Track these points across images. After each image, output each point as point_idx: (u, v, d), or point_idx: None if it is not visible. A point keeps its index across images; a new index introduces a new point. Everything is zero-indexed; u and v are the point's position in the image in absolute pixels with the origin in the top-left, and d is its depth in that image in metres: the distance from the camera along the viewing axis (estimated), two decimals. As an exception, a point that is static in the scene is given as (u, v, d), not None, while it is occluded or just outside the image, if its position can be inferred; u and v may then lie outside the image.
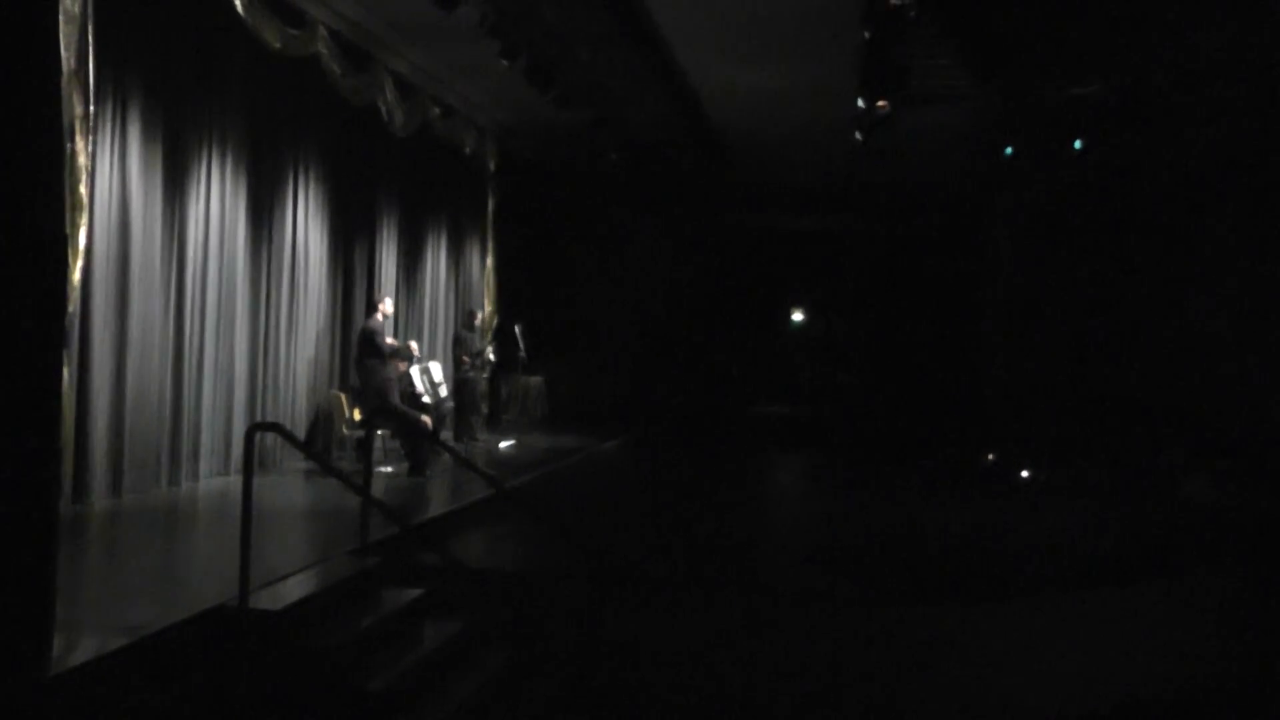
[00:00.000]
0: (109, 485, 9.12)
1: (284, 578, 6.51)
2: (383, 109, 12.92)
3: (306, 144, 12.34)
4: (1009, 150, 17.69)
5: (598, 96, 14.36)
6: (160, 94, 9.66)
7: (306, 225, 12.40)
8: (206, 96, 10.44)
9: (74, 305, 8.12)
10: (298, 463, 11.87)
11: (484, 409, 16.22)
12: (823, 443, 20.70)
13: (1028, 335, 19.25)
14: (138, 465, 9.46)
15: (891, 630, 8.16)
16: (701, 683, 7.23)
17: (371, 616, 6.49)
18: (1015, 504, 13.97)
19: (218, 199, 10.67)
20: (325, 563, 7.06)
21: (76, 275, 8.00)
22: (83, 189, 7.91)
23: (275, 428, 7.07)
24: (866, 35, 12.48)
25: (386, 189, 14.44)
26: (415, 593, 6.96)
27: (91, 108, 8.01)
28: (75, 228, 7.84)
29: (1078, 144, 16.59)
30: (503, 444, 15.12)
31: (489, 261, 18.30)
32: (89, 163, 8.04)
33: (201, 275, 10.44)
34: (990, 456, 17.03)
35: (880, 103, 14.44)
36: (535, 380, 18.69)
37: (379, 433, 12.10)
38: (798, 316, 24.24)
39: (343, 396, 12.60)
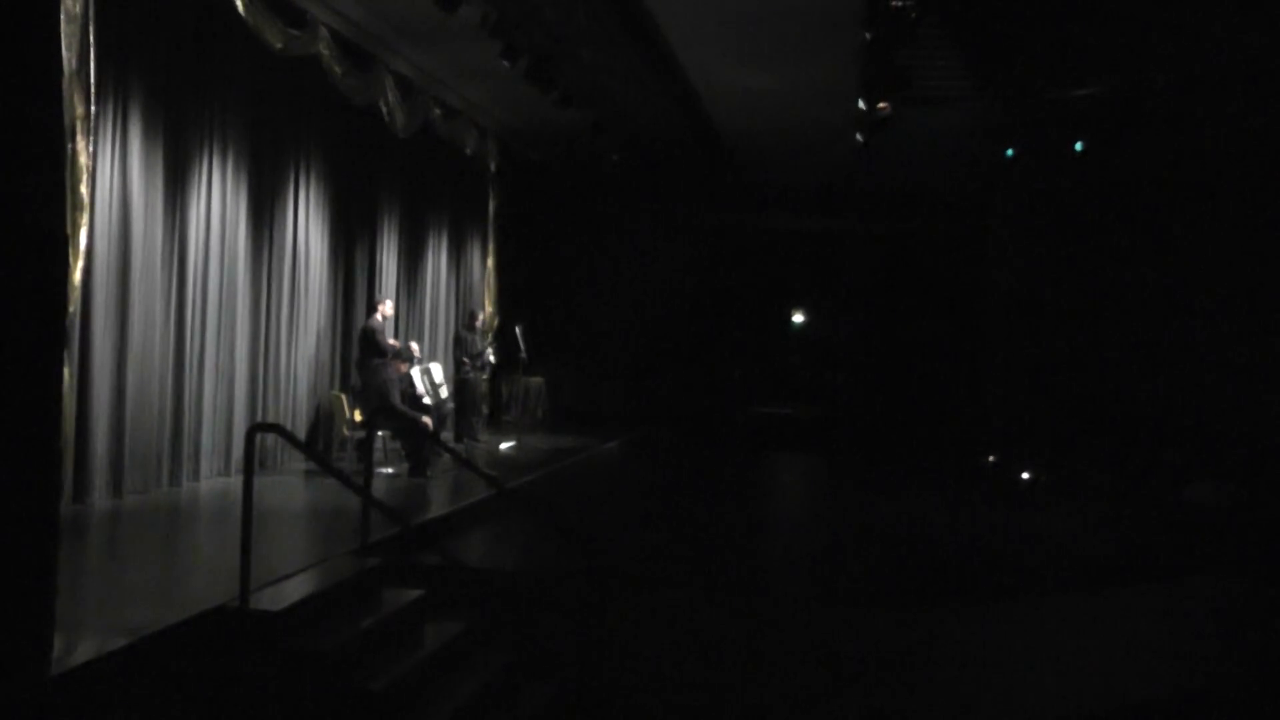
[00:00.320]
0: (109, 485, 9.12)
1: (284, 578, 6.50)
2: (384, 109, 12.92)
3: (307, 144, 12.35)
4: (1010, 152, 17.71)
5: (599, 97, 14.37)
6: (161, 94, 9.66)
7: (307, 226, 12.40)
8: (208, 97, 10.44)
9: (75, 305, 8.13)
10: (298, 463, 11.87)
11: (484, 410, 16.22)
12: (823, 444, 20.69)
13: (1028, 337, 19.24)
14: (138, 465, 9.46)
15: (892, 632, 8.16)
16: (702, 684, 7.22)
17: (372, 617, 6.49)
18: (1016, 506, 13.96)
19: (219, 199, 10.67)
20: (326, 563, 7.06)
21: (77, 275, 8.00)
22: (84, 189, 7.91)
23: (276, 428, 7.06)
24: (868, 36, 12.49)
25: (387, 190, 14.44)
26: (416, 593, 6.95)
27: (93, 108, 8.02)
28: (76, 228, 7.85)
29: (1078, 145, 16.60)
30: (503, 445, 15.11)
31: (490, 262, 18.30)
32: (90, 163, 8.04)
33: (202, 275, 10.44)
34: (991, 458, 17.01)
35: (881, 104, 14.45)
36: (536, 381, 18.69)
37: (380, 433, 12.10)
38: (798, 317, 24.23)
39: (343, 397, 12.60)
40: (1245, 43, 13.12)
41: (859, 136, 16.04)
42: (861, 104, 14.65)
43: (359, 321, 13.24)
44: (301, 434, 12.13)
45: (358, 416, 12.40)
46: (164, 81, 9.70)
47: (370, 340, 12.26)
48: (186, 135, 10.10)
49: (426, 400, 13.00)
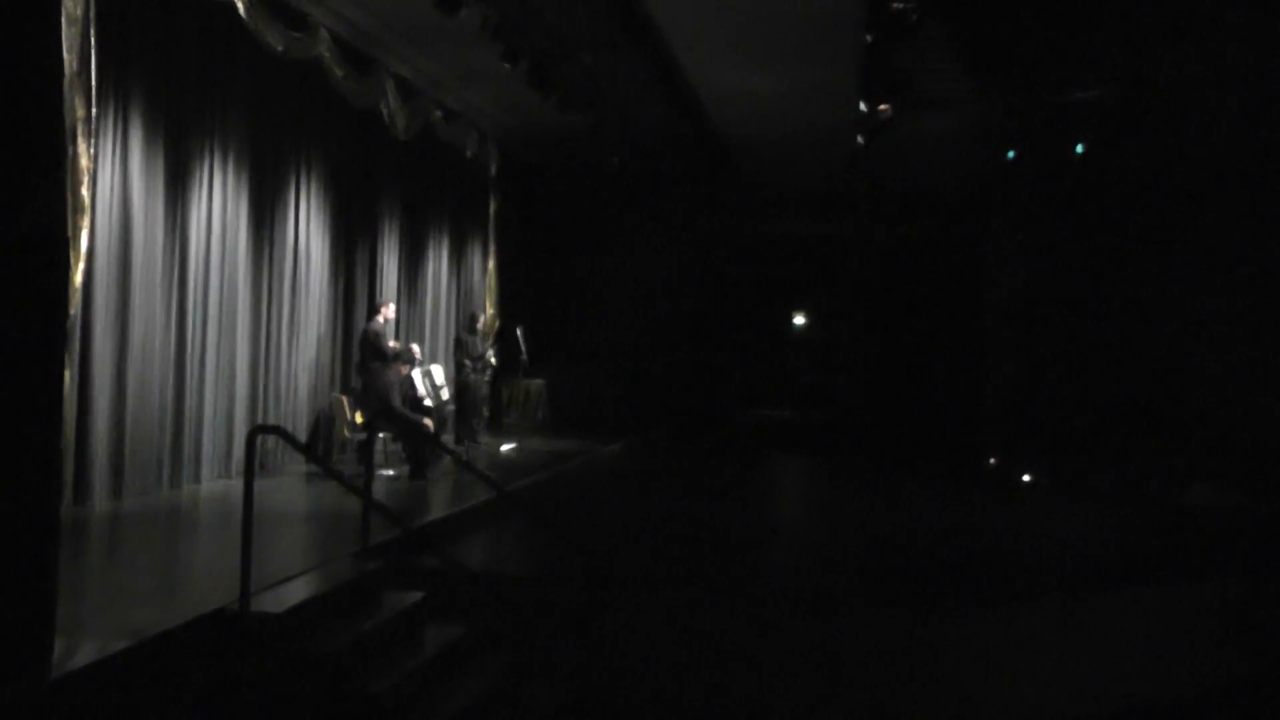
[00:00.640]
0: (110, 488, 9.11)
1: (285, 581, 6.50)
2: (384, 112, 12.92)
3: (308, 147, 12.35)
4: (1010, 154, 17.70)
5: (599, 100, 14.37)
6: (162, 96, 9.67)
7: (308, 228, 12.40)
8: (208, 99, 10.44)
9: (75, 308, 8.13)
10: (299, 465, 11.86)
11: (485, 412, 16.21)
12: (824, 446, 20.68)
13: (1029, 339, 19.22)
14: (139, 468, 9.46)
15: (892, 634, 8.15)
16: (703, 687, 7.21)
17: (373, 620, 6.48)
18: (1017, 508, 13.95)
19: (219, 202, 10.67)
20: (326, 566, 7.05)
21: (78, 278, 8.01)
22: (84, 191, 7.92)
23: (277, 430, 7.05)
24: (868, 39, 12.50)
25: (388, 192, 14.44)
26: (416, 596, 6.95)
27: (93, 110, 8.02)
28: (77, 230, 7.85)
29: (1079, 148, 16.59)
30: (504, 447, 15.11)
31: (490, 265, 18.30)
32: (91, 165, 8.04)
33: (203, 278, 10.44)
34: (992, 460, 17.01)
35: (882, 106, 14.45)
36: (537, 383, 18.69)
37: (380, 436, 12.10)
38: (799, 319, 24.22)
39: (344, 399, 12.60)
40: (1245, 44, 13.12)
41: (859, 139, 16.05)
42: (862, 106, 14.66)
43: (360, 324, 13.24)
44: (302, 436, 12.12)
45: (359, 419, 12.39)
46: (165, 84, 9.70)
47: (372, 343, 12.26)
48: (187, 138, 10.10)
49: (427, 403, 13.00)
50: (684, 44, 13.21)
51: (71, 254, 7.73)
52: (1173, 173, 16.46)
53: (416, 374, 13.02)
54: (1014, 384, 19.32)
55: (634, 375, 21.41)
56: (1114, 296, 17.95)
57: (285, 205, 11.96)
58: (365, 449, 8.98)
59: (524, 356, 16.78)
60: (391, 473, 12.00)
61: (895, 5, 11.89)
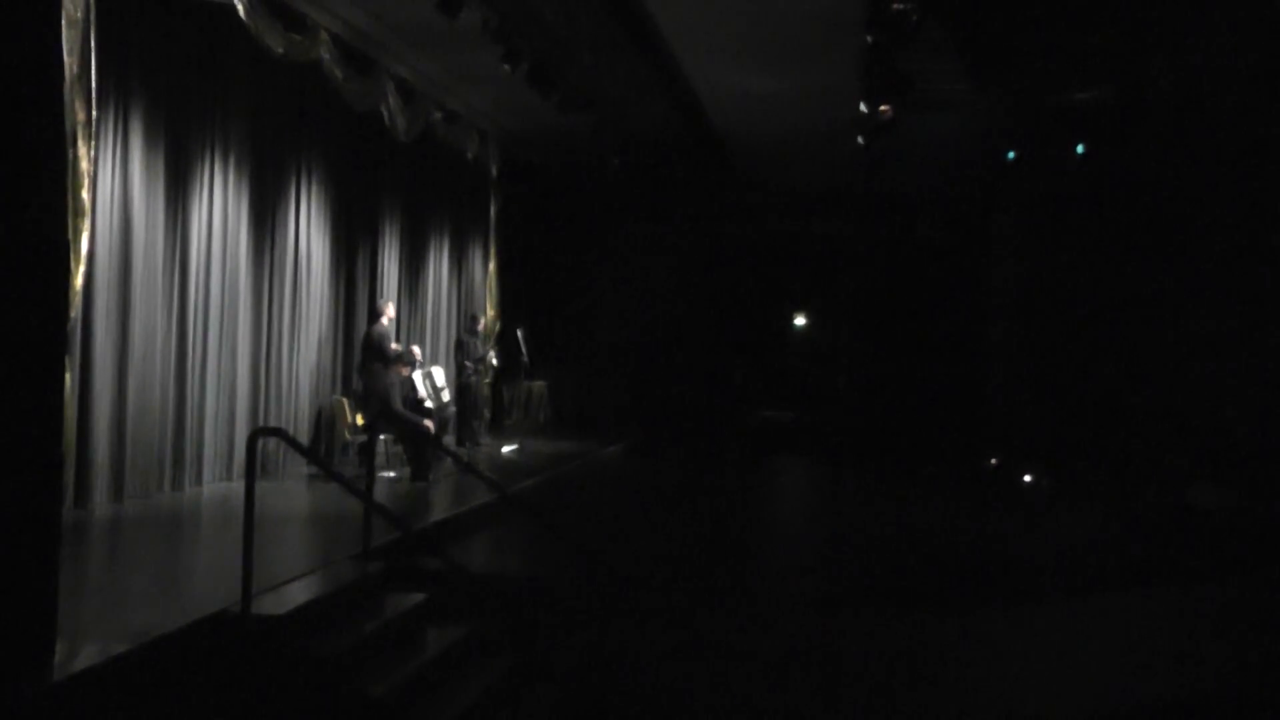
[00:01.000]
0: (111, 490, 9.11)
1: (286, 583, 6.50)
2: (385, 114, 12.92)
3: (309, 149, 12.35)
4: (1011, 154, 17.70)
5: (600, 101, 14.36)
6: (163, 99, 9.67)
7: (309, 230, 12.40)
8: (209, 101, 10.45)
9: (76, 310, 8.13)
10: (300, 468, 11.86)
11: (486, 414, 16.22)
12: (825, 448, 20.68)
13: (1030, 340, 19.23)
14: (140, 470, 9.46)
15: (894, 636, 8.15)
16: (705, 689, 7.21)
17: (374, 622, 6.49)
18: (1018, 509, 13.94)
19: (220, 204, 10.67)
20: (328, 568, 7.06)
21: (78, 280, 8.00)
22: (85, 194, 7.92)
23: (278, 433, 7.06)
24: (869, 40, 12.49)
25: (389, 194, 14.44)
26: (418, 598, 6.95)
27: (94, 113, 8.02)
28: (77, 233, 7.85)
29: (1080, 148, 16.59)
30: (505, 449, 15.11)
31: (491, 266, 18.30)
32: (91, 168, 8.04)
33: (204, 280, 10.44)
34: (993, 461, 17.00)
35: (883, 107, 14.44)
36: (538, 385, 18.69)
37: (381, 438, 12.10)
38: (800, 321, 24.22)
39: (345, 401, 12.60)
40: (1245, 45, 13.12)
41: (860, 140, 16.04)
42: (863, 107, 14.64)
43: (360, 326, 13.24)
44: (303, 439, 12.12)
45: (359, 421, 12.40)
46: (165, 87, 9.71)
47: (376, 344, 12.22)
48: (188, 140, 10.11)
49: (428, 404, 13.00)
50: (684, 45, 13.21)
51: (72, 257, 7.73)
52: (1173, 173, 16.46)
53: (417, 376, 13.02)
54: (1014, 384, 19.33)
55: (635, 376, 21.41)
56: (1114, 296, 17.95)
57: (286, 207, 11.96)
58: (366, 451, 8.99)
59: (525, 358, 16.77)
60: (392, 474, 12.01)
61: (896, 6, 11.88)
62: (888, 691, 7.33)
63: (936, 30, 12.51)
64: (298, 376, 12.21)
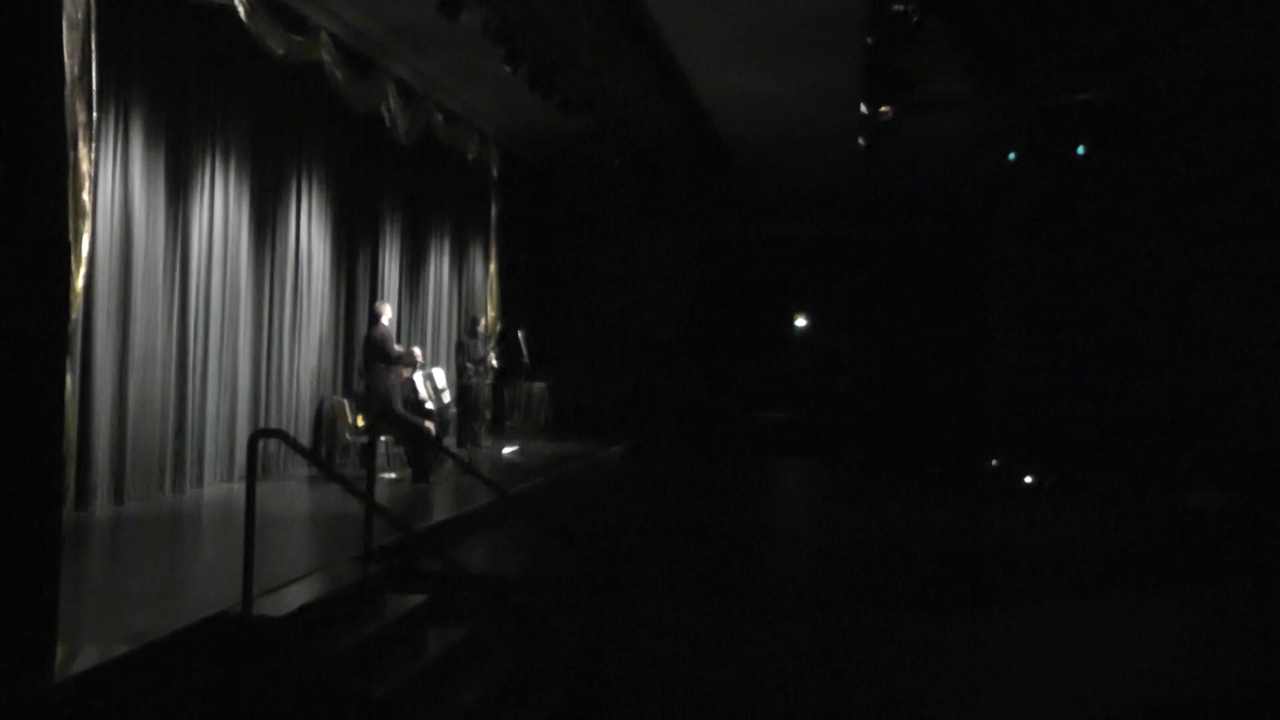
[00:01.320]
0: (112, 492, 9.11)
1: (287, 584, 6.49)
2: (386, 115, 12.92)
3: (309, 151, 12.35)
4: (1012, 155, 17.70)
5: (601, 103, 14.37)
6: (163, 101, 9.67)
7: (310, 232, 12.41)
8: (209, 103, 10.45)
9: (77, 312, 8.13)
10: (301, 469, 11.87)
11: (487, 415, 16.22)
12: (826, 449, 20.68)
13: (1032, 341, 19.23)
14: (141, 472, 9.46)
15: (894, 637, 8.15)
16: (705, 689, 7.21)
17: (375, 623, 6.48)
18: (1019, 510, 13.94)
19: (221, 206, 10.67)
20: (328, 569, 7.05)
21: (79, 282, 8.01)
22: (86, 196, 7.92)
23: (279, 434, 7.07)
24: (869, 41, 12.49)
25: (390, 195, 14.45)
26: (419, 599, 6.94)
27: (94, 115, 8.02)
28: (78, 235, 7.86)
29: (1080, 149, 16.59)
30: (506, 450, 15.11)
31: (492, 268, 18.30)
32: (92, 170, 8.05)
33: (205, 282, 10.44)
34: (994, 462, 17.00)
35: (883, 108, 14.44)
36: (539, 386, 18.69)
37: (382, 439, 12.10)
38: (801, 322, 24.23)
39: (346, 402, 12.60)
40: (1246, 45, 13.11)
41: (861, 141, 16.04)
42: (863, 108, 14.65)
43: (361, 327, 13.24)
44: (304, 440, 12.12)
45: (360, 422, 12.40)
46: (166, 88, 9.71)
47: (380, 345, 12.20)
48: (188, 142, 10.11)
49: (429, 405, 13.00)
50: (685, 46, 13.22)
51: (73, 258, 7.73)
52: (1174, 174, 16.46)
53: (418, 377, 13.02)
54: (1015, 385, 19.33)
55: (636, 378, 21.42)
56: (1115, 297, 17.95)
57: (287, 209, 11.97)
58: (367, 452, 8.98)
59: (525, 359, 16.78)
60: (393, 476, 12.01)
61: (896, 6, 11.88)
62: (887, 692, 7.32)
63: (937, 31, 12.50)
64: (298, 378, 12.22)
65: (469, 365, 15.18)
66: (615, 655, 7.28)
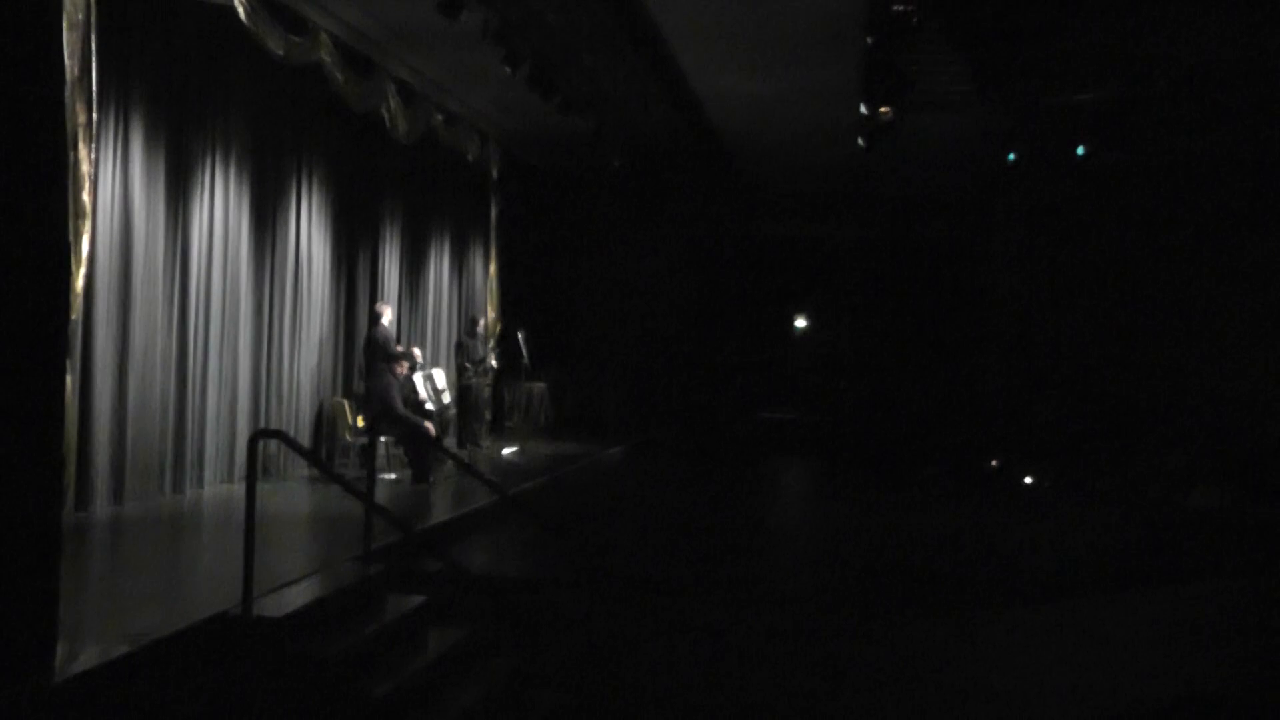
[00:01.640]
0: (111, 492, 9.11)
1: (287, 585, 6.50)
2: (386, 116, 12.92)
3: (309, 151, 12.35)
4: (1011, 156, 17.71)
5: (600, 103, 14.37)
6: (163, 101, 9.67)
7: (310, 232, 12.40)
8: (209, 104, 10.45)
9: (77, 313, 8.13)
10: (301, 470, 11.86)
11: (487, 415, 16.22)
12: (827, 449, 20.67)
13: (1032, 341, 19.24)
14: (140, 472, 9.45)
15: (895, 637, 8.15)
16: (705, 690, 7.21)
17: (375, 624, 6.48)
18: (1019, 510, 13.93)
19: (221, 206, 10.67)
20: (328, 570, 7.06)
21: (79, 283, 8.01)
22: (85, 197, 7.92)
23: (279, 435, 7.07)
24: (869, 41, 12.49)
25: (390, 196, 14.44)
26: (419, 600, 6.95)
27: (94, 115, 8.02)
28: (78, 235, 7.86)
29: (1080, 150, 16.60)
30: (506, 450, 15.11)
31: (492, 268, 18.30)
32: (92, 170, 8.05)
33: (205, 282, 10.44)
34: (994, 462, 17.00)
35: (883, 109, 14.45)
36: (539, 386, 18.69)
37: (382, 439, 12.10)
38: (801, 322, 24.24)
39: (346, 403, 12.60)
40: (1246, 45, 13.12)
41: (861, 141, 16.04)
42: (863, 109, 14.65)
43: (361, 328, 13.24)
44: (304, 440, 12.12)
45: (360, 422, 12.40)
46: (166, 89, 9.71)
47: (382, 345, 12.21)
48: (188, 142, 10.11)
49: (429, 406, 13.01)
50: (685, 47, 13.22)
51: (73, 259, 7.73)
52: (1173, 175, 16.47)
53: (418, 377, 13.03)
54: (1015, 385, 19.33)
55: (636, 378, 21.42)
56: (1115, 298, 17.96)
57: (287, 209, 11.97)
58: (367, 453, 8.98)
59: (525, 360, 16.78)
60: (393, 476, 12.01)
61: (896, 6, 11.89)
62: (888, 693, 7.32)
63: (936, 31, 12.51)
64: (298, 378, 12.22)
65: (469, 366, 15.18)
66: (614, 655, 7.29)
